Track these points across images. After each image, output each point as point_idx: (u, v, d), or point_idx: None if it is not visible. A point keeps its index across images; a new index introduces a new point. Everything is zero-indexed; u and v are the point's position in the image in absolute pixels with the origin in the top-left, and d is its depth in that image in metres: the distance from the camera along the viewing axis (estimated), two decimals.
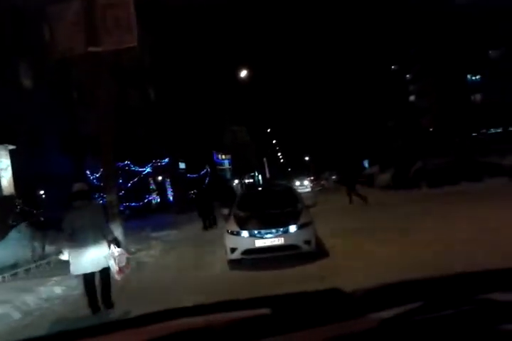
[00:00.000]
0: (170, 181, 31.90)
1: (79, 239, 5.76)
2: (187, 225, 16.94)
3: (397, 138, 59.69)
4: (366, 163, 52.84)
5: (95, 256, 5.78)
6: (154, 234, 14.82)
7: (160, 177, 30.03)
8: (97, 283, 6.04)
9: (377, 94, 63.70)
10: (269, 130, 70.51)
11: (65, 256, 5.88)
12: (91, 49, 8.94)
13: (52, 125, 19.06)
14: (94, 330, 1.01)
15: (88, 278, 5.92)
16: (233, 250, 7.99)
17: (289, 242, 7.81)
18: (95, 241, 5.81)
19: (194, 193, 32.32)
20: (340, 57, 69.44)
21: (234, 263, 8.05)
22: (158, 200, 29.13)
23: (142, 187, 25.22)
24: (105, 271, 5.91)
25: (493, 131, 44.10)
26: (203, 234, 14.19)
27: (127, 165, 21.78)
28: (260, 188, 12.11)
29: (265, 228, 7.95)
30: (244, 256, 7.96)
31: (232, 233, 8.12)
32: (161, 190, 30.38)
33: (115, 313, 5.79)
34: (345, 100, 69.50)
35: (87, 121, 22.07)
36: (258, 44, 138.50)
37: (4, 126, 13.51)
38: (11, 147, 13.85)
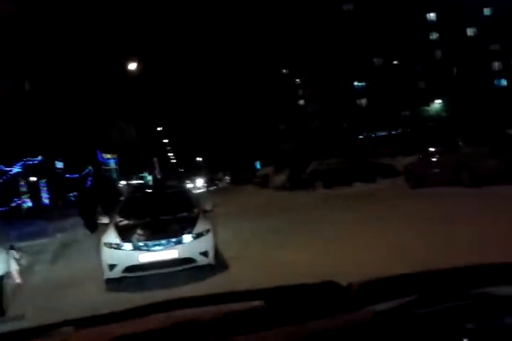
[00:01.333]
0: (45, 182, 28.57)
1: None
2: (64, 232, 14.63)
3: (288, 140, 60.95)
4: (258, 165, 52.96)
5: None
6: (19, 244, 12.41)
7: (34, 178, 26.64)
8: None
9: (268, 97, 64.50)
10: (159, 128, 67.82)
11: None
12: None
13: None
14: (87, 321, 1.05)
15: None
16: (112, 267, 6.36)
17: (183, 255, 6.40)
18: None
19: (75, 195, 29.37)
20: (234, 57, 69.09)
21: (112, 283, 6.43)
22: (30, 204, 25.72)
23: (10, 189, 21.92)
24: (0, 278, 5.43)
25: (379, 134, 46.52)
26: (85, 241, 12.01)
27: None
28: (148, 190, 10.43)
29: (153, 239, 6.44)
30: (126, 274, 6.38)
31: (110, 246, 6.48)
32: (35, 193, 26.95)
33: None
34: (238, 102, 69.38)
35: None
36: (151, 38, 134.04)
37: None
38: None
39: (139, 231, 6.52)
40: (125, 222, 6.99)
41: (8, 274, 5.63)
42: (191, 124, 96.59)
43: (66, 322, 1.08)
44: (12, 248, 5.85)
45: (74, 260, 9.32)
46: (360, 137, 48.43)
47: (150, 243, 6.39)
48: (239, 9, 76.00)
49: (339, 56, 49.92)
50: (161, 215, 7.03)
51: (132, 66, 25.72)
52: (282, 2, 55.71)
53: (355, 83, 54.06)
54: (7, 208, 20.72)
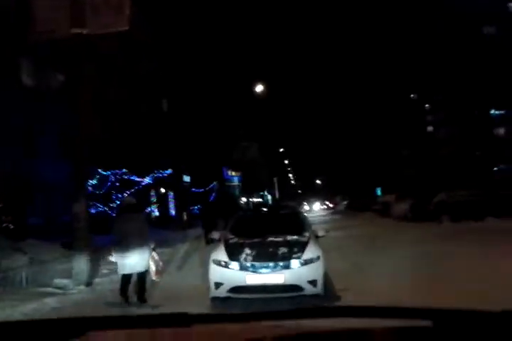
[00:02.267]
0: (173, 194, 30.40)
1: (126, 245, 6.75)
2: (188, 241, 15.25)
3: (411, 167, 57.96)
4: (379, 191, 51.02)
5: (138, 260, 6.80)
6: None
7: (163, 190, 28.51)
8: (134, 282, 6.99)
9: (393, 121, 62.26)
10: (281, 149, 68.97)
11: (113, 258, 6.95)
12: (74, 30, 7.45)
13: (50, 125, 17.72)
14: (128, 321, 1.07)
15: (127, 277, 6.90)
16: (218, 285, 6.29)
17: (290, 281, 6.10)
18: (139, 247, 6.79)
19: (199, 208, 30.85)
20: (360, 81, 68.12)
21: (217, 302, 6.35)
22: (157, 214, 27.46)
23: (141, 199, 23.63)
24: (143, 273, 6.94)
25: None
26: (201, 252, 12.36)
27: (123, 173, 20.27)
28: (262, 209, 10.35)
29: (261, 260, 6.25)
30: (231, 295, 6.26)
31: (218, 263, 6.43)
32: (163, 203, 28.79)
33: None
34: (361, 126, 67.97)
35: (94, 124, 20.97)
36: (279, 62, 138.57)
37: None
38: None
39: (247, 251, 6.37)
40: (235, 240, 6.90)
41: (147, 271, 6.97)
42: (313, 146, 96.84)
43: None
44: (154, 250, 7.08)
45: (196, 267, 9.79)
46: (495, 168, 44.23)
47: (257, 264, 6.21)
48: (369, 30, 75.16)
49: (475, 81, 46.53)
50: (271, 236, 6.83)
51: (259, 88, 26.61)
52: (418, 23, 53.82)
53: (492, 111, 49.88)
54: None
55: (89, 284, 8.43)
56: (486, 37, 48.51)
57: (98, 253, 11.15)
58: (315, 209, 45.04)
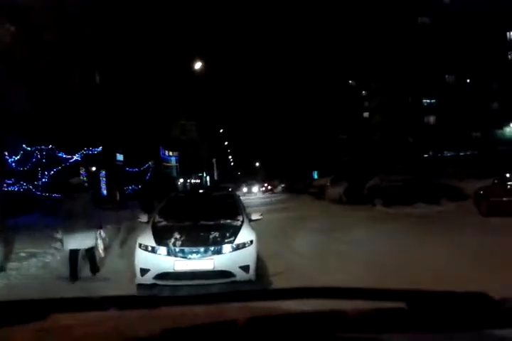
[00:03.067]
0: (105, 173, 29.14)
1: (73, 223, 7.11)
2: (125, 221, 14.55)
3: (347, 152, 59.46)
4: (315, 174, 51.94)
5: (84, 237, 7.17)
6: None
7: (93, 168, 27.19)
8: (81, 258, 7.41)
9: (331, 106, 63.34)
10: (221, 130, 68.36)
11: (59, 235, 7.62)
12: None
13: None
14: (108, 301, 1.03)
15: (74, 253, 7.21)
16: (144, 272, 5.85)
17: (221, 267, 5.77)
18: (85, 224, 7.17)
19: (136, 189, 29.85)
20: (301, 64, 68.43)
21: (143, 290, 5.91)
22: None
23: (70, 177, 22.38)
24: (91, 249, 7.37)
25: (446, 154, 44.28)
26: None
27: (49, 149, 19.00)
28: (193, 191, 9.95)
29: (191, 245, 5.87)
30: (157, 281, 5.84)
31: (145, 248, 5.97)
32: (94, 182, 27.50)
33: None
34: (300, 110, 68.60)
35: (15, 96, 19.40)
36: (220, 38, 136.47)
37: None
38: None
39: (177, 235, 5.96)
40: (163, 223, 6.46)
41: (95, 247, 7.47)
42: (252, 129, 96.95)
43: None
44: (100, 227, 7.58)
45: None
46: (426, 155, 46.26)
47: (186, 249, 5.82)
48: (309, 15, 75.39)
49: (410, 69, 48.04)
50: (202, 220, 6.44)
51: (198, 65, 25.80)
52: (355, 11, 54.54)
53: (425, 99, 51.92)
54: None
55: (2, 269, 7.69)
56: (420, 26, 50.06)
57: (20, 234, 10.32)
58: (254, 191, 45.12)
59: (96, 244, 7.43)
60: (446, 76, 50.74)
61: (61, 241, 7.68)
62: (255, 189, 46.87)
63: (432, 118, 52.00)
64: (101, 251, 7.64)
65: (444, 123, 48.06)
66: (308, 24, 79.12)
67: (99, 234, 7.51)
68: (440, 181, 20.04)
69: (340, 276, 6.23)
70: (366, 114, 64.83)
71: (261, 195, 42.40)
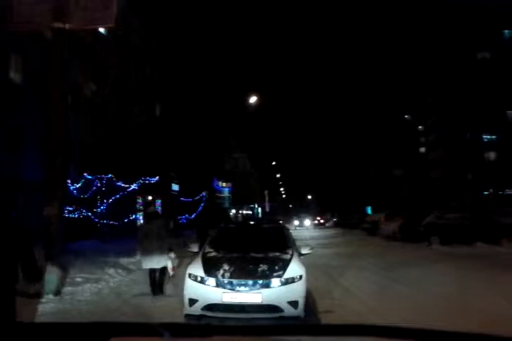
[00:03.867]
0: (161, 202, 29.89)
1: (148, 245, 8.25)
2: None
3: (403, 187, 57.91)
4: (369, 209, 50.79)
5: (158, 258, 8.23)
6: (122, 260, 12.66)
7: (150, 197, 28.01)
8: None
9: (387, 141, 62.42)
10: (274, 163, 68.77)
11: (138, 256, 8.47)
12: (56, 25, 7.07)
13: (37, 125, 17.31)
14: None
15: (152, 272, 8.33)
16: (192, 302, 5.86)
17: (268, 301, 5.69)
18: (159, 247, 8.23)
19: (193, 218, 30.34)
20: (356, 99, 68.44)
21: (191, 321, 5.90)
22: (142, 221, 26.89)
23: (127, 206, 23.12)
24: (163, 269, 8.39)
25: (508, 192, 42.15)
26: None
27: (109, 178, 19.79)
28: (244, 223, 9.97)
29: (239, 277, 5.85)
30: (205, 313, 5.82)
31: (194, 278, 6.01)
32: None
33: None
34: (354, 144, 68.07)
35: (79, 127, 20.56)
36: (275, 75, 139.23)
37: None
38: None
39: (225, 267, 5.97)
40: (213, 254, 6.49)
41: (165, 268, 8.38)
42: (305, 161, 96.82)
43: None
44: (171, 250, 8.46)
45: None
46: (485, 193, 44.23)
47: (235, 281, 5.80)
48: (366, 48, 75.75)
49: (469, 105, 46.77)
50: (252, 252, 6.43)
51: (253, 99, 26.40)
52: (414, 46, 54.29)
53: (485, 135, 50.12)
54: (121, 222, 21.76)
55: (58, 293, 7.95)
56: (480, 62, 48.95)
57: (77, 260, 10.68)
58: (306, 225, 44.64)
59: (167, 265, 8.40)
60: (508, 112, 48.98)
61: (140, 261, 8.75)
62: (307, 222, 46.29)
63: (492, 155, 50.02)
64: (170, 271, 8.50)
65: (505, 159, 46.04)
66: (366, 58, 79.54)
67: (170, 255, 8.42)
68: (500, 220, 19.02)
69: (390, 318, 5.97)
70: (422, 149, 63.31)
71: (312, 228, 41.83)
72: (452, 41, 48.74)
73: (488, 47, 48.62)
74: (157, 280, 8.35)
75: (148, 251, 8.22)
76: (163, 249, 8.27)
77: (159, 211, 9.54)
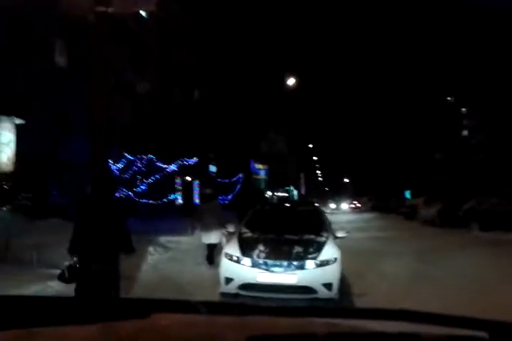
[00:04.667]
0: (198, 183, 30.36)
1: (207, 223, 9.46)
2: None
3: (443, 172, 56.44)
4: (408, 194, 49.89)
5: (215, 234, 9.43)
6: (160, 239, 13.04)
7: (188, 178, 28.49)
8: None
9: (428, 124, 60.64)
10: (311, 145, 68.30)
11: (197, 232, 9.56)
12: (99, 8, 7.22)
13: (79, 105, 17.78)
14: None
15: (211, 246, 9.49)
16: (228, 281, 6.04)
17: (303, 283, 5.78)
18: (216, 224, 9.34)
19: (233, 199, 30.80)
20: (397, 81, 66.66)
21: (226, 299, 6.08)
22: (181, 201, 27.45)
23: (166, 186, 23.62)
24: (216, 244, 9.47)
25: None
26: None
27: (149, 159, 20.23)
28: (280, 205, 10.10)
29: (274, 258, 5.96)
30: (241, 292, 5.98)
31: (230, 258, 6.17)
32: (188, 191, 28.75)
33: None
34: (394, 126, 66.51)
35: (121, 109, 21.00)
36: (315, 57, 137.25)
37: (15, 96, 12.06)
38: (19, 121, 12.38)
39: (261, 247, 6.08)
40: (249, 235, 6.62)
41: (219, 243, 9.34)
42: (343, 144, 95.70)
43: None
44: (225, 227, 8.66)
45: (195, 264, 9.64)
46: None
47: (270, 262, 5.92)
48: (409, 29, 73.38)
49: None
50: (287, 233, 6.51)
51: (291, 81, 26.18)
52: (460, 27, 52.11)
53: None
54: (160, 202, 22.30)
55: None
56: None
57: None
58: (343, 208, 44.13)
59: (221, 240, 9.38)
60: None
61: (198, 236, 10.00)
62: (344, 206, 45.71)
63: None
64: (223, 246, 9.35)
65: None
66: (407, 38, 77.21)
67: (223, 232, 9.26)
68: None
69: (426, 302, 5.95)
70: (465, 133, 61.28)
71: (348, 212, 41.52)
72: (501, 24, 46.46)
73: None
74: (211, 253, 9.36)
75: (207, 228, 9.38)
76: (220, 226, 9.22)
77: (212, 192, 11.76)
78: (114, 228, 4.86)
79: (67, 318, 1.06)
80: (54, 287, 6.19)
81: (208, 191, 11.10)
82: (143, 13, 21.13)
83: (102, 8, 7.24)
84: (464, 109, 61.17)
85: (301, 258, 5.91)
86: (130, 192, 20.90)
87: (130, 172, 20.35)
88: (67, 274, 4.74)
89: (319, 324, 1.11)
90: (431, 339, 0.92)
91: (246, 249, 6.15)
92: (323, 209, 11.34)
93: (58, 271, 4.64)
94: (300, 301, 5.76)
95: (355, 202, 49.23)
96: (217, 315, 1.14)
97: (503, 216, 16.65)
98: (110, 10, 7.32)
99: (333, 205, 45.32)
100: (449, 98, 62.86)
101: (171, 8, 25.13)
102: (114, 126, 19.30)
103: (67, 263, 4.72)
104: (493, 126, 50.31)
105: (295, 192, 70.31)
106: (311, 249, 6.04)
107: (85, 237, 4.73)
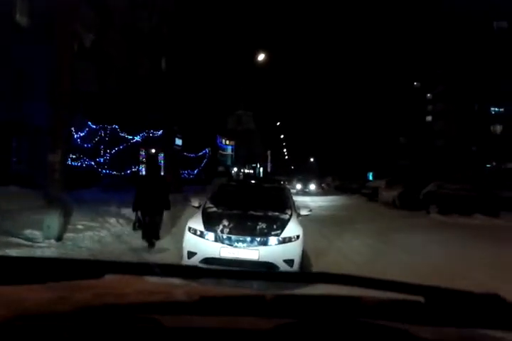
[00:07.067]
0: (164, 156, 29.96)
1: None
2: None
3: (406, 156, 57.77)
4: (371, 176, 50.89)
5: None
6: (123, 211, 12.82)
7: (153, 150, 28.02)
8: None
9: (393, 107, 61.57)
10: (278, 123, 68.33)
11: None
12: None
13: (41, 68, 16.97)
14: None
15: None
16: (191, 255, 6.01)
17: (265, 258, 5.81)
18: None
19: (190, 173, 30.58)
20: (365, 64, 66.97)
21: None
22: (145, 173, 27.04)
23: (130, 157, 23.18)
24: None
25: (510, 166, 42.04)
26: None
27: (113, 128, 19.73)
28: (245, 181, 10.05)
29: (237, 234, 5.96)
30: (202, 266, 5.97)
31: (194, 232, 6.12)
32: (152, 163, 28.32)
33: None
34: (361, 108, 67.19)
35: (85, 76, 20.23)
36: (285, 34, 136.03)
37: None
38: None
39: (225, 223, 6.06)
40: (213, 210, 6.58)
41: None
42: (310, 124, 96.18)
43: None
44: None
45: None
46: (488, 166, 44.15)
47: (233, 237, 5.91)
48: (377, 13, 73.44)
49: (480, 75, 45.74)
50: (251, 210, 6.50)
51: (261, 57, 25.87)
52: (428, 12, 52.47)
53: (492, 108, 49.39)
54: (123, 173, 21.90)
55: (59, 239, 8.11)
56: (496, 32, 47.44)
57: (78, 208, 10.81)
58: (311, 189, 43.30)
59: None
60: None
61: None
62: (312, 186, 44.41)
63: (498, 128, 49.52)
64: None
65: (511, 133, 45.62)
66: (376, 21, 77.27)
67: None
68: (501, 193, 19.07)
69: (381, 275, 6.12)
70: (429, 118, 62.64)
71: (314, 191, 41.70)
72: (468, 10, 47.02)
73: (505, 16, 46.97)
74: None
75: None
76: None
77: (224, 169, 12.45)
78: (160, 194, 8.28)
79: (21, 278, 1.05)
80: (11, 255, 6.01)
81: (220, 169, 12.11)
82: None
83: None
84: (429, 95, 62.33)
85: (265, 234, 5.93)
86: (92, 162, 20.42)
87: (93, 141, 19.83)
88: (136, 225, 8.33)
89: (267, 287, 1.17)
90: (371, 303, 0.98)
91: (210, 223, 6.12)
92: (289, 187, 11.41)
93: (18, 240, 5.17)
94: None
95: (323, 185, 49.25)
96: (169, 277, 1.16)
97: (460, 200, 17.23)
98: None
99: (299, 185, 44.32)
100: (415, 83, 63.80)
101: None
102: (78, 93, 18.66)
103: (135, 218, 8.31)
104: (456, 112, 51.57)
105: (261, 170, 70.61)
106: (274, 226, 6.07)
107: (142, 200, 8.17)
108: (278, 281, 1.20)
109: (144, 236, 8.32)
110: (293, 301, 1.01)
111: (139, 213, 8.22)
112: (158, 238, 8.38)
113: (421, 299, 0.97)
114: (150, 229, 8.28)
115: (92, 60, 20.97)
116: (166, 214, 8.82)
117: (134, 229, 8.40)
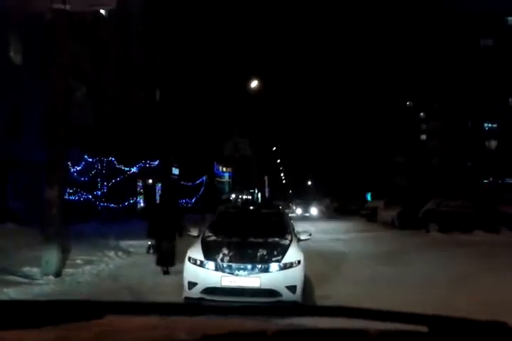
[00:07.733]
0: (161, 186, 29.95)
1: None
2: None
3: (403, 175, 57.90)
4: (369, 196, 50.80)
5: None
6: (122, 243, 12.73)
7: (150, 181, 28.03)
8: None
9: (388, 127, 62.15)
10: (274, 148, 68.70)
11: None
12: (56, 6, 6.93)
13: (37, 103, 17.14)
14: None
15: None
16: (192, 285, 5.92)
17: (267, 286, 5.75)
18: None
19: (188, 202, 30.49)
20: (358, 84, 67.93)
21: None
22: (143, 205, 27.00)
23: (127, 189, 23.14)
24: None
25: (508, 180, 42.18)
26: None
27: (109, 161, 19.77)
28: (244, 208, 9.98)
29: (238, 261, 5.90)
30: (204, 296, 5.88)
31: (194, 262, 6.06)
32: (149, 194, 28.29)
33: None
34: (355, 129, 67.75)
35: (84, 110, 20.44)
36: (278, 61, 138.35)
37: None
38: None
39: (225, 251, 6.01)
40: (213, 238, 6.53)
41: None
42: (306, 147, 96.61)
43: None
44: None
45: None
46: (485, 181, 44.27)
47: (234, 265, 5.85)
48: (369, 34, 75.06)
49: (471, 92, 46.44)
50: (251, 236, 6.46)
51: (254, 84, 26.27)
52: (418, 32, 53.65)
53: (486, 123, 49.96)
54: (121, 205, 21.79)
55: (58, 275, 8.01)
56: (483, 49, 48.47)
57: (77, 242, 10.73)
58: (313, 214, 41.96)
59: None
60: (510, 99, 48.74)
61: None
62: (314, 211, 43.13)
63: (493, 143, 49.95)
64: None
65: (506, 148, 45.96)
66: (367, 43, 78.79)
67: None
68: (500, 209, 19.03)
69: (388, 303, 6.03)
70: (424, 137, 63.15)
71: (314, 215, 41.20)
72: (455, 28, 48.17)
73: (491, 34, 48.10)
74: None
75: None
76: None
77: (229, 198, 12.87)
78: (174, 221, 8.94)
79: (21, 322, 1.05)
80: (9, 294, 5.93)
81: (225, 197, 12.73)
82: (103, 11, 20.66)
83: (59, 6, 6.96)
84: (422, 114, 63.05)
85: (265, 261, 5.88)
86: (90, 196, 20.36)
87: (90, 174, 19.84)
88: (151, 250, 9.38)
89: (271, 322, 1.16)
90: (374, 335, 0.96)
91: (209, 252, 6.06)
92: (288, 212, 11.39)
93: (15, 277, 5.17)
94: (264, 304, 5.72)
95: (322, 207, 48.57)
96: (171, 316, 1.15)
97: (459, 218, 17.20)
98: (68, 7, 7.05)
99: (299, 210, 43.09)
100: (408, 102, 64.60)
101: (133, 7, 24.74)
102: (73, 127, 18.79)
103: (149, 243, 9.53)
104: (450, 130, 52.04)
105: (259, 195, 70.51)
106: (275, 252, 6.02)
107: (157, 227, 8.79)
108: (279, 315, 1.20)
109: (159, 263, 8.68)
110: (296, 336, 1.00)
111: (153, 240, 9.14)
112: (173, 264, 8.57)
113: (424, 329, 0.96)
114: (165, 256, 8.64)
115: (87, 93, 21.23)
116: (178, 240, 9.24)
117: (148, 252, 9.64)
